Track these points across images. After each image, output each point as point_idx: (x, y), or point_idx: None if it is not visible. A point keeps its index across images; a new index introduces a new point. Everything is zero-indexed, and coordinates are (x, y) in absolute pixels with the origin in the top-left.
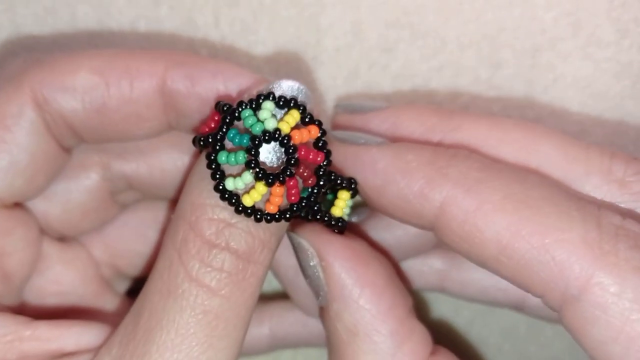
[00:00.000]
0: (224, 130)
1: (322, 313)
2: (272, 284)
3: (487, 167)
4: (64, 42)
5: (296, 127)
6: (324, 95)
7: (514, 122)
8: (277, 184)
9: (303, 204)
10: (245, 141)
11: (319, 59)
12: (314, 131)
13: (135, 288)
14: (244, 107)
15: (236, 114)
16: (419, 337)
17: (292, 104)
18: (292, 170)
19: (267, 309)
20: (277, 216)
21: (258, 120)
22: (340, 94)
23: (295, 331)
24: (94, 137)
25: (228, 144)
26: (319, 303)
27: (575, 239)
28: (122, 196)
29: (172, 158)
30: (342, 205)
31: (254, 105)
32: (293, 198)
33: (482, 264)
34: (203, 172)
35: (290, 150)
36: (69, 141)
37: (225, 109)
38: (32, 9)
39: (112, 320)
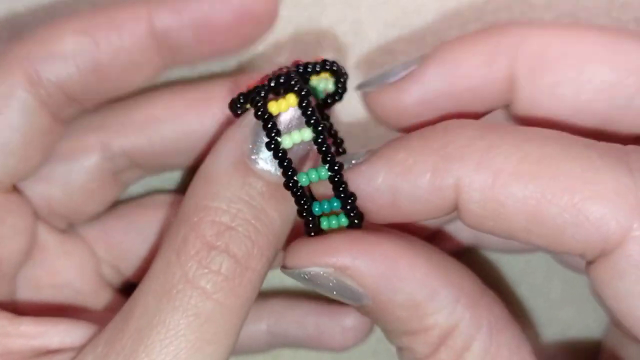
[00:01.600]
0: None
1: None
2: (271, 282)
3: (489, 131)
4: None
5: None
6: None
7: (580, 24)
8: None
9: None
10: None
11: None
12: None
13: (127, 288)
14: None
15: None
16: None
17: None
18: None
19: (266, 306)
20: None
21: None
22: None
23: (293, 331)
24: (94, 97)
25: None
26: (362, 306)
27: (606, 191)
28: (125, 175)
29: (171, 126)
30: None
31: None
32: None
33: (512, 237)
34: (208, 175)
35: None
36: (67, 111)
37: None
38: (32, 9)
39: (103, 319)
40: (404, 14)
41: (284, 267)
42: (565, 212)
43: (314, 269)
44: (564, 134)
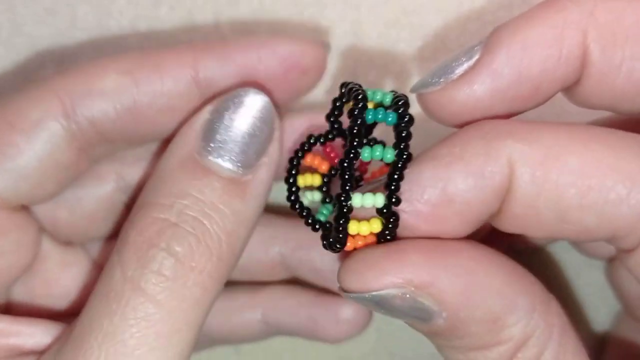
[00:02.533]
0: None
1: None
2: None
3: (529, 121)
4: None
5: None
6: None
7: None
8: None
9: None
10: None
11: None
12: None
13: None
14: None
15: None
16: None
17: None
18: None
19: (261, 294)
20: None
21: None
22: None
23: (286, 321)
24: (126, 138)
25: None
26: (430, 325)
27: None
28: None
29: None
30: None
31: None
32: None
33: (561, 220)
34: (157, 173)
35: None
36: (97, 150)
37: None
38: (32, 9)
39: None
40: (403, 14)
41: (344, 291)
42: (621, 182)
43: (389, 291)
44: (600, 126)
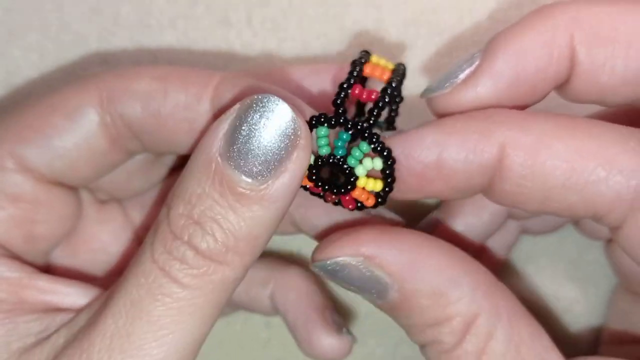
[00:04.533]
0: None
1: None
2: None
3: (524, 111)
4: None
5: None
6: None
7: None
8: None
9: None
10: None
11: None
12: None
13: None
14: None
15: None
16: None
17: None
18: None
19: (273, 272)
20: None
21: None
22: None
23: (292, 308)
24: (152, 142)
25: None
26: (386, 299)
27: (636, 148)
28: (168, 159)
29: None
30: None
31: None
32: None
33: (546, 198)
34: (188, 168)
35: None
36: (128, 144)
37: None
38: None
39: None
40: (421, 13)
41: (313, 261)
42: (600, 166)
43: (344, 259)
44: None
